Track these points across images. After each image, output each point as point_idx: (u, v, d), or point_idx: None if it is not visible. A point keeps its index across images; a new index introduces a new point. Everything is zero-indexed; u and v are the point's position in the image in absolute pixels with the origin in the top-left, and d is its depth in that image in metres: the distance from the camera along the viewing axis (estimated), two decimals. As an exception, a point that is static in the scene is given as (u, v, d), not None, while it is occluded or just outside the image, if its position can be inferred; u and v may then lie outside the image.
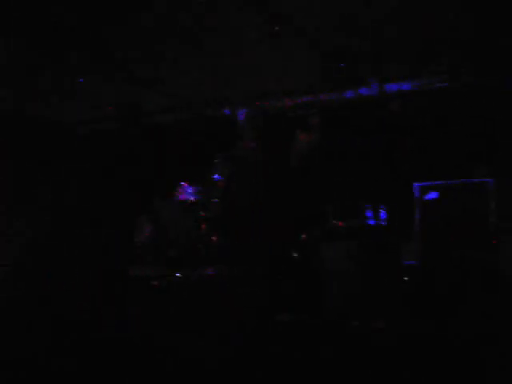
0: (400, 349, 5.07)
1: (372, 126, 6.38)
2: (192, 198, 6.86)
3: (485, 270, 5.46)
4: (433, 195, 5.99)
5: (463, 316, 5.26)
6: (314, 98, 6.76)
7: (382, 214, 6.12)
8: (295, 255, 6.39)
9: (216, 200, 6.65)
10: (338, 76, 6.46)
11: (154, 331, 5.44)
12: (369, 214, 6.13)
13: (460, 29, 5.37)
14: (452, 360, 4.77)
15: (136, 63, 6.21)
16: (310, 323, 5.77)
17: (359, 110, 6.52)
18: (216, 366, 4.67)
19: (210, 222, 6.75)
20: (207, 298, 6.17)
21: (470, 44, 5.70)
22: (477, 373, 4.58)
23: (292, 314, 5.90)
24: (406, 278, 5.86)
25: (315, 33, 5.49)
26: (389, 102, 6.32)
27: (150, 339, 5.25)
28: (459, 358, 4.79)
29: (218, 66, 6.36)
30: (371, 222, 6.12)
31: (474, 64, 5.93)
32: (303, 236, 6.41)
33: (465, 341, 4.95)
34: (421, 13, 5.07)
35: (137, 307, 5.93)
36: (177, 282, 6.43)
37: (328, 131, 6.64)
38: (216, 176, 6.69)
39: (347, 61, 6.15)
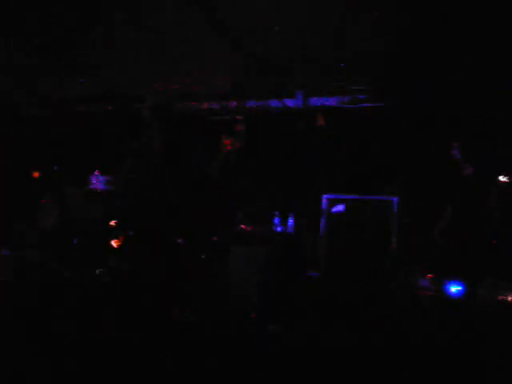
0: (296, 353, 5.30)
1: (294, 136, 6.87)
2: (103, 187, 7.15)
3: (380, 287, 5.89)
4: (339, 208, 6.45)
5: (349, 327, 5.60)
6: (240, 103, 7.21)
7: (290, 222, 6.53)
8: (203, 256, 6.70)
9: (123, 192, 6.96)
10: (266, 85, 6.95)
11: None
12: (277, 221, 6.53)
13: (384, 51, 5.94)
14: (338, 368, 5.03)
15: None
16: (210, 323, 5.99)
17: (284, 120, 7.01)
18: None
19: (118, 213, 7.04)
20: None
21: (392, 67, 6.27)
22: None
23: (195, 314, 6.11)
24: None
25: (244, 40, 5.95)
26: (312, 114, 6.83)
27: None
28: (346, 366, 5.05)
29: (146, 63, 6.79)
30: (278, 229, 6.51)
31: (396, 87, 6.52)
32: (213, 238, 6.74)
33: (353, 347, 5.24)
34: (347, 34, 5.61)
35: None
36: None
37: (251, 138, 7.08)
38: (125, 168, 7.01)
39: (276, 72, 6.65)
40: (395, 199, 6.19)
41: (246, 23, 5.54)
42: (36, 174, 7.69)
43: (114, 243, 7.01)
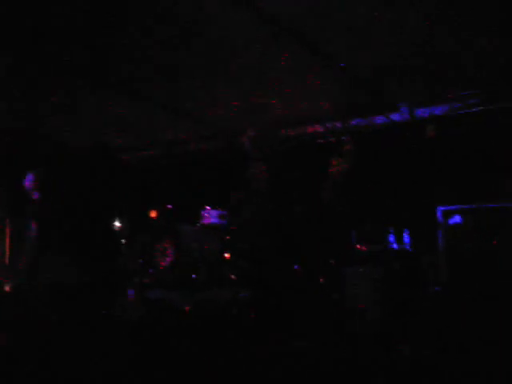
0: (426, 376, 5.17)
1: (403, 150, 6.86)
2: (216, 222, 7.44)
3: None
4: (457, 219, 6.32)
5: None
6: (345, 123, 7.31)
7: (406, 238, 6.48)
8: (321, 280, 6.76)
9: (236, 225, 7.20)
10: (369, 102, 7.02)
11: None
12: (392, 238, 6.50)
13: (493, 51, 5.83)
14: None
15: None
16: (332, 349, 5.99)
17: (391, 135, 7.02)
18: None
19: (233, 247, 7.28)
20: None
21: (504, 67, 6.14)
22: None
23: (310, 340, 6.15)
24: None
25: (343, 59, 6.07)
26: (420, 126, 6.80)
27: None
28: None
29: (247, 96, 7.08)
30: (394, 246, 6.47)
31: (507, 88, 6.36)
32: (331, 261, 6.80)
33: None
34: (453, 34, 5.58)
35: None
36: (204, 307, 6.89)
37: (359, 156, 7.13)
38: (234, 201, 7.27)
39: (377, 86, 6.71)
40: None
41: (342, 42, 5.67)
42: (153, 214, 8.12)
43: (231, 275, 7.24)
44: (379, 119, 7.14)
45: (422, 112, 6.91)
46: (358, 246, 6.56)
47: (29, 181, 6.43)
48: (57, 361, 5.18)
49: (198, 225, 7.60)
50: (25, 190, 6.49)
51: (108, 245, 8.11)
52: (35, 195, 6.46)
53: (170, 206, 7.96)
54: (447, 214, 6.35)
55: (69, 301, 7.02)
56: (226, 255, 7.31)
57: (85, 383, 4.78)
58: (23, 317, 6.48)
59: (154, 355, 5.58)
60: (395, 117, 7.03)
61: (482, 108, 6.52)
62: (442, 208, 6.40)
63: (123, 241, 8.08)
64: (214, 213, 7.45)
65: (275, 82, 6.61)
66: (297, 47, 5.71)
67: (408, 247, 6.41)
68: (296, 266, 6.90)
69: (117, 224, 8.02)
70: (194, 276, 7.38)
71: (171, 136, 8.54)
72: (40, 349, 5.49)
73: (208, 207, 7.53)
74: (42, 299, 6.92)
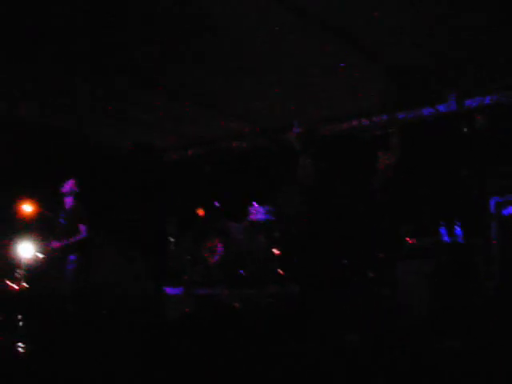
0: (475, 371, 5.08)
1: (449, 142, 6.77)
2: (263, 218, 7.48)
3: None
4: (511, 210, 6.20)
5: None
6: (391, 117, 7.24)
7: (457, 230, 6.37)
8: (371, 274, 6.73)
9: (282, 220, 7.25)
10: (415, 94, 6.94)
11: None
12: (443, 230, 6.40)
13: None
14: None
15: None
16: (381, 343, 5.91)
17: (438, 127, 6.93)
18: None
19: (281, 241, 7.32)
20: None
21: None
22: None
23: (361, 333, 6.07)
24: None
25: (389, 51, 6.01)
26: (468, 117, 6.69)
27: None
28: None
29: (290, 93, 7.06)
30: (446, 239, 6.37)
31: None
32: (380, 255, 6.76)
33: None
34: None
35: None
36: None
37: (407, 149, 7.06)
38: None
39: (423, 77, 6.63)
40: None
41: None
42: (201, 212, 8.18)
43: (280, 271, 7.28)
44: (426, 111, 7.05)
45: (470, 102, 6.79)
46: (409, 240, 6.48)
47: (68, 185, 6.50)
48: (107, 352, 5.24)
49: (245, 221, 7.64)
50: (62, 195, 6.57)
51: (157, 243, 8.20)
52: (71, 200, 6.52)
53: (217, 204, 8.00)
54: (501, 205, 6.22)
55: (117, 298, 7.10)
56: (274, 251, 7.33)
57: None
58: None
59: (202, 350, 5.58)
60: (443, 108, 6.93)
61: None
62: (496, 199, 6.27)
63: (172, 239, 8.15)
64: (261, 209, 7.48)
65: (320, 78, 6.57)
66: (344, 45, 5.68)
67: (460, 240, 6.29)
68: (345, 261, 6.88)
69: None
70: (242, 272, 7.42)
71: (214, 134, 8.56)
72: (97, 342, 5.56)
73: (255, 203, 7.57)
74: (92, 299, 7.02)
